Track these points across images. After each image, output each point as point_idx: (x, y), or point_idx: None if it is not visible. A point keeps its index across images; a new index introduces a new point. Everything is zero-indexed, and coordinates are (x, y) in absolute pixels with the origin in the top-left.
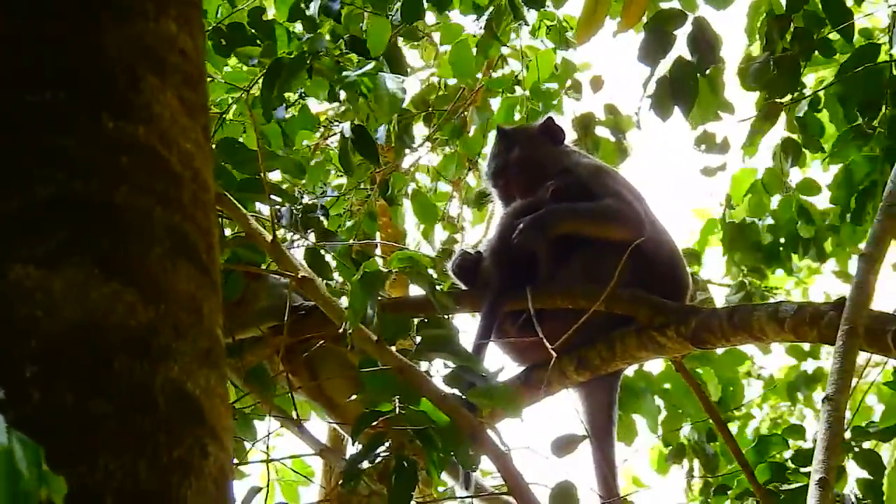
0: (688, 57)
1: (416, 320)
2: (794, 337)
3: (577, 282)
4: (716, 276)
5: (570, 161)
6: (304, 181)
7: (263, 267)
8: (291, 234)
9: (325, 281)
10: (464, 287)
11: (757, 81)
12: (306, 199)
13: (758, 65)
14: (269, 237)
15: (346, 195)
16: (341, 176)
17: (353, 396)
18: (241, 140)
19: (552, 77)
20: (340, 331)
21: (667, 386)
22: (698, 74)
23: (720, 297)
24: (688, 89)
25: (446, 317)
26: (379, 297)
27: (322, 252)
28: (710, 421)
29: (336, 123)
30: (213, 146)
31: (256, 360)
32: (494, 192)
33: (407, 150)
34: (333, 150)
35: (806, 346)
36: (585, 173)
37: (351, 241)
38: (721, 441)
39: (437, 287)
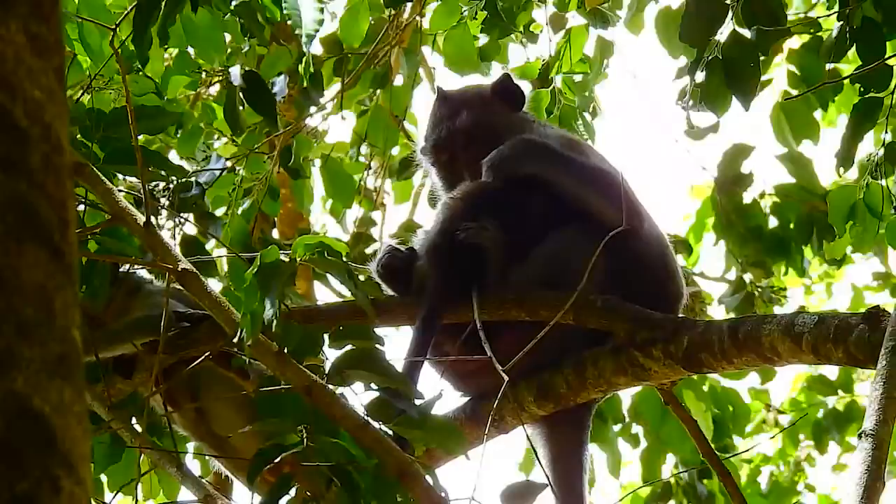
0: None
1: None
2: (814, 357)
3: (537, 286)
4: (715, 273)
5: (530, 131)
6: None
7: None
8: (171, 218)
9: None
10: (391, 292)
11: (829, 56)
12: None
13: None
14: (141, 220)
15: (235, 165)
16: (229, 143)
17: (248, 428)
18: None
19: (582, 63)
20: (234, 341)
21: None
22: (759, 53)
23: (715, 294)
24: (748, 73)
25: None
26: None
27: (205, 241)
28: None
29: (219, 70)
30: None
31: (127, 387)
32: (433, 171)
33: (313, 107)
34: (218, 104)
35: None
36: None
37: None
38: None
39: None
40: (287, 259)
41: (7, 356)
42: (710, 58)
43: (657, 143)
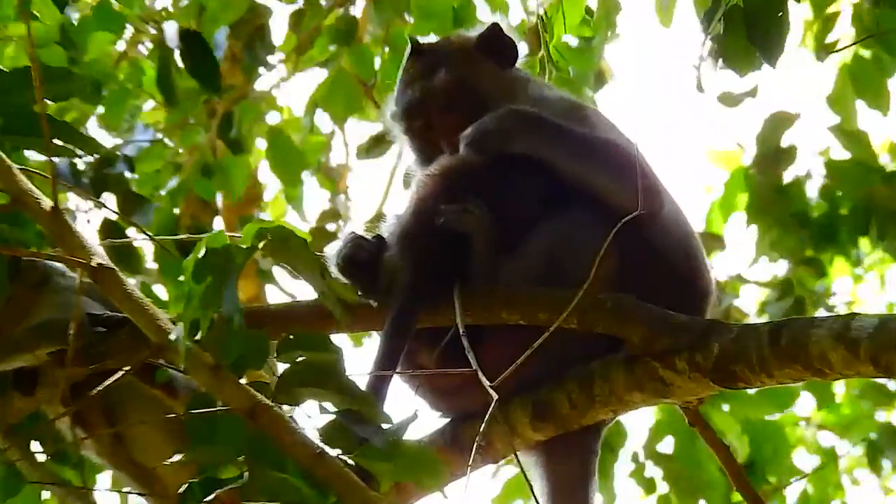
0: None
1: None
2: (874, 369)
3: (533, 282)
4: (746, 267)
5: (524, 94)
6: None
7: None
8: (84, 200)
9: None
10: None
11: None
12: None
13: None
14: (47, 204)
15: (169, 136)
16: (159, 108)
17: (176, 457)
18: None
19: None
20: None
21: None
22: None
23: (752, 297)
24: (774, 23)
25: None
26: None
27: (129, 229)
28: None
29: (151, 25)
30: None
31: (28, 406)
32: (406, 140)
33: (262, 69)
34: (150, 66)
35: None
36: (554, 113)
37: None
38: None
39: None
40: (240, 246)
41: None
42: (728, 6)
43: (677, 111)
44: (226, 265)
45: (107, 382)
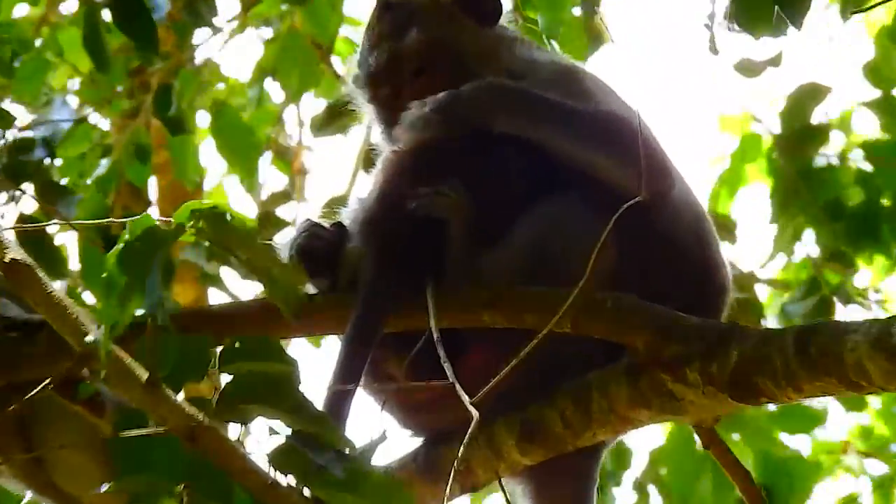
0: None
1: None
2: None
3: (520, 278)
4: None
5: (510, 56)
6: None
7: None
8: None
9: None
10: (310, 288)
11: None
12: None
13: None
14: None
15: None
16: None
17: (105, 486)
18: None
19: None
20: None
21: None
22: None
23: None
24: None
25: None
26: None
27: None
28: None
29: None
30: None
31: None
32: (372, 111)
33: (203, 31)
34: (73, 30)
35: None
36: (542, 80)
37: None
38: None
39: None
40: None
41: None
42: None
43: (686, 78)
44: (148, 251)
45: (26, 398)
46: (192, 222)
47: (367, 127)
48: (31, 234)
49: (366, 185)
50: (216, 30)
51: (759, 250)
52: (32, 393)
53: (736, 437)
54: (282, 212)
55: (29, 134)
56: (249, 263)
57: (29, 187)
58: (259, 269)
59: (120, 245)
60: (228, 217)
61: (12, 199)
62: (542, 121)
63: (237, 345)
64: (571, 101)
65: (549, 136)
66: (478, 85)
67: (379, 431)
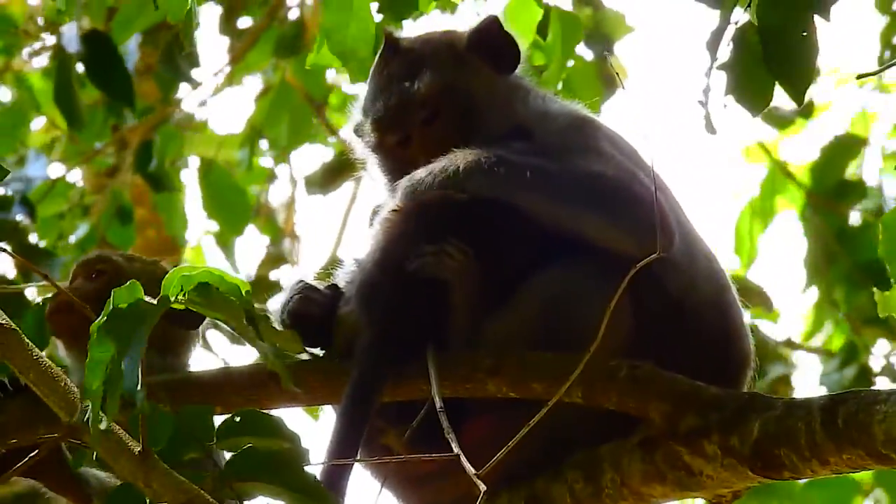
0: None
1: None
2: None
3: (526, 344)
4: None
5: (524, 106)
6: None
7: None
8: None
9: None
10: (303, 354)
11: None
12: None
13: None
14: None
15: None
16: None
17: None
18: None
19: None
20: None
21: None
22: (816, 16)
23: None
24: (797, 46)
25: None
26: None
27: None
28: None
29: (49, 32)
30: None
31: None
32: (376, 161)
33: (185, 84)
34: (45, 81)
35: None
36: (554, 132)
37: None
38: None
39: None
40: (154, 301)
41: None
42: (739, 24)
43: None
44: (136, 323)
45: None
46: (180, 291)
47: (356, 183)
48: (10, 298)
49: (363, 245)
50: (196, 84)
51: (794, 314)
52: (18, 465)
53: None
54: (275, 275)
55: (4, 191)
56: (242, 333)
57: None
58: (252, 340)
59: (103, 318)
60: (220, 285)
61: None
62: (526, 189)
63: (237, 419)
64: (577, 154)
65: (534, 203)
66: (473, 156)
67: None
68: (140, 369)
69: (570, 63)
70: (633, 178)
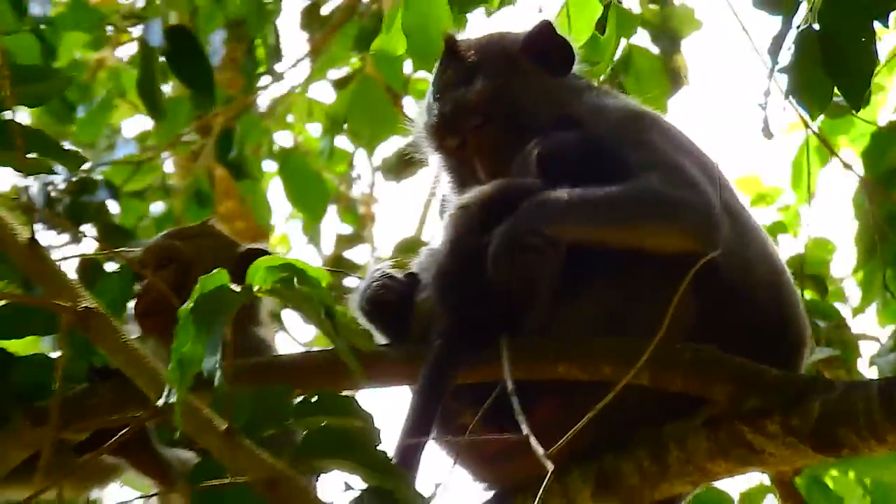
0: None
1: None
2: None
3: (595, 331)
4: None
5: (577, 104)
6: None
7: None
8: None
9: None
10: (382, 338)
11: None
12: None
13: None
14: (22, 236)
15: (154, 157)
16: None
17: None
18: None
19: None
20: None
21: None
22: (874, 21)
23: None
24: (856, 52)
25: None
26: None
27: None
28: None
29: (134, 25)
30: None
31: None
32: (440, 160)
33: (267, 77)
34: (130, 71)
35: None
36: (607, 126)
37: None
38: None
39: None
40: (238, 289)
41: None
42: (801, 29)
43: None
44: (214, 314)
45: (95, 453)
46: (263, 281)
47: (437, 172)
48: (97, 276)
49: (436, 236)
50: (278, 76)
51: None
52: (111, 441)
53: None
54: (350, 255)
55: (90, 175)
56: (320, 327)
57: (90, 229)
58: (329, 334)
59: (190, 304)
60: (301, 276)
61: (74, 240)
62: (585, 223)
63: (314, 400)
64: (627, 149)
65: (593, 236)
66: (520, 215)
67: (439, 487)
68: (220, 353)
69: (627, 54)
70: (679, 178)
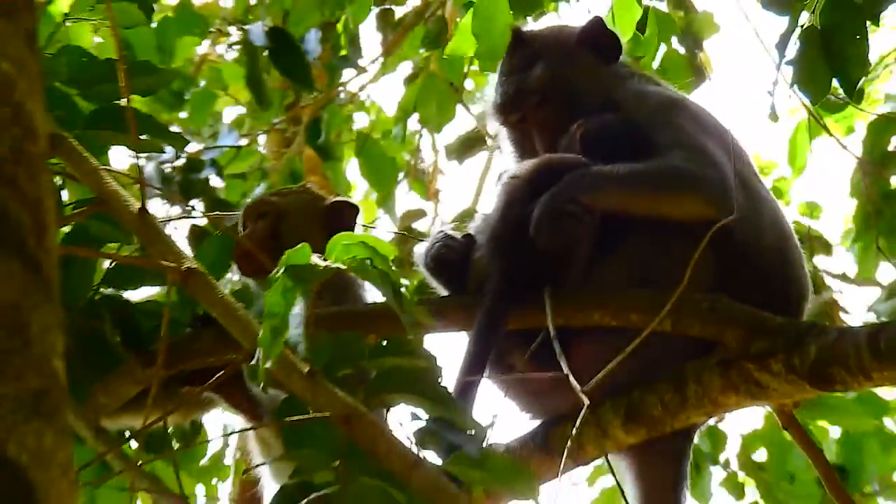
0: None
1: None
2: None
3: (625, 284)
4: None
5: (622, 89)
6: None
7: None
8: (166, 203)
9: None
10: (444, 291)
11: None
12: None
13: None
14: (135, 206)
15: (252, 142)
16: (241, 107)
17: (259, 463)
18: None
19: None
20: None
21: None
22: (867, 21)
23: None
24: (852, 47)
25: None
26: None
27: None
28: None
29: (235, 27)
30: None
31: (112, 402)
32: (503, 134)
33: (350, 70)
34: (233, 66)
35: None
36: (642, 109)
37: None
38: None
39: (403, 291)
40: (322, 263)
41: None
42: (805, 28)
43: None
44: (298, 285)
45: (206, 385)
46: (342, 257)
47: (492, 151)
48: (203, 242)
49: (490, 203)
50: (361, 70)
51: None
52: (212, 380)
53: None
54: (419, 226)
55: (197, 157)
56: (389, 301)
57: (198, 204)
58: (396, 309)
59: (278, 272)
60: (371, 253)
61: (184, 214)
62: (618, 194)
63: (385, 344)
64: (658, 130)
65: (626, 206)
66: (560, 188)
67: (493, 418)
68: (303, 325)
69: (662, 53)
70: (700, 155)
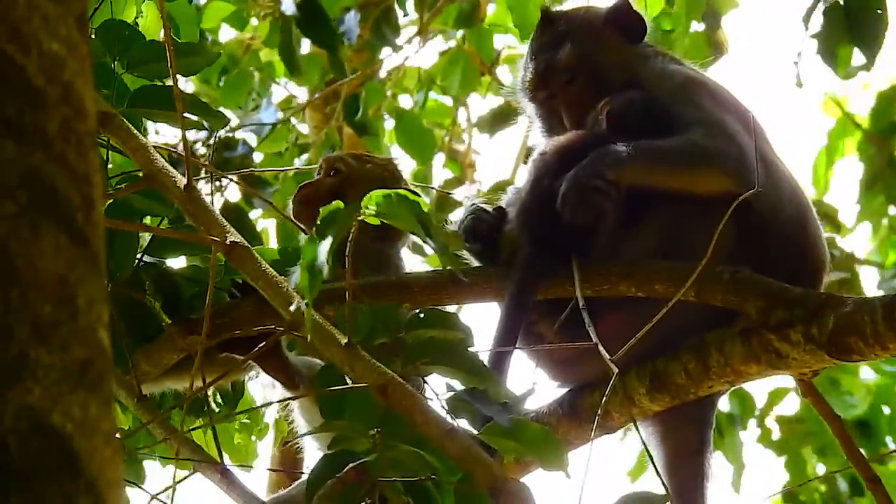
0: None
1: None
2: None
3: (651, 256)
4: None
5: (646, 68)
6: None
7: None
8: (208, 179)
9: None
10: (476, 262)
11: None
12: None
13: None
14: (181, 181)
15: (295, 115)
16: (276, 84)
17: (301, 434)
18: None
19: None
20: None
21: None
22: None
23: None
24: (871, 20)
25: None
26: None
27: (249, 209)
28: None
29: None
30: (93, 36)
31: (154, 369)
32: (531, 110)
33: (387, 49)
34: (268, 51)
35: None
36: (665, 88)
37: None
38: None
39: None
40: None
41: (20, 363)
42: (829, 2)
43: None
44: (332, 223)
45: (249, 355)
46: (376, 209)
47: (527, 127)
48: (237, 220)
49: (522, 177)
50: (398, 48)
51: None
52: (255, 350)
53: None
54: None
55: (234, 134)
56: (419, 235)
57: (235, 179)
58: (425, 240)
59: (315, 231)
60: (407, 202)
61: (220, 188)
62: (643, 170)
63: (421, 316)
64: (679, 106)
65: (650, 181)
66: (587, 164)
67: (530, 385)
68: (327, 254)
69: (692, 29)
70: (720, 132)
